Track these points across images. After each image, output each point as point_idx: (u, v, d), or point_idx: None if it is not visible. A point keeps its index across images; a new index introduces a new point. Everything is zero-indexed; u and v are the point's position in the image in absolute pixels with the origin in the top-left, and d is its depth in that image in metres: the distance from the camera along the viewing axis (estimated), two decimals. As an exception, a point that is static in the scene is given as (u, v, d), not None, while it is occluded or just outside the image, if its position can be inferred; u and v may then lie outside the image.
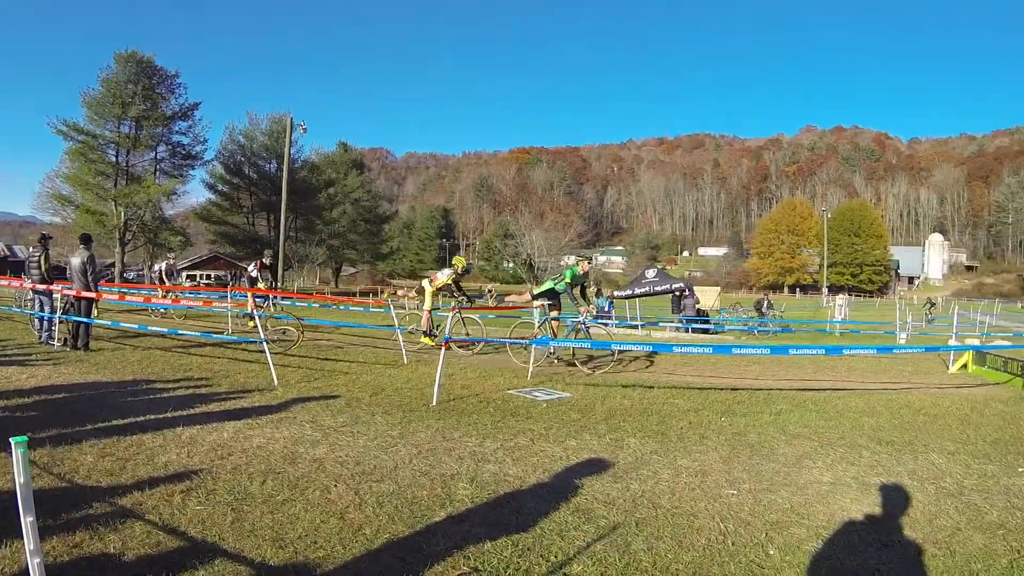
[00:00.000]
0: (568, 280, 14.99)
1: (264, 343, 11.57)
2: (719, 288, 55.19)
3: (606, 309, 31.75)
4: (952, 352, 17.72)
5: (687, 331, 27.53)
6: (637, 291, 31.20)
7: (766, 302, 35.96)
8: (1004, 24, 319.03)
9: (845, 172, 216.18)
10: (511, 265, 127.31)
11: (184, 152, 71.17)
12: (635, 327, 23.24)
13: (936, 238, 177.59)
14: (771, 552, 4.88)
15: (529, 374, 13.05)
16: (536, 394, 11.01)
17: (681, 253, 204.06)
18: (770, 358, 17.36)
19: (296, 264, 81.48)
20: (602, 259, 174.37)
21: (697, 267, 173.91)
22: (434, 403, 9.77)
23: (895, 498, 6.22)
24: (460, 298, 17.47)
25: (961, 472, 7.20)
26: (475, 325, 17.35)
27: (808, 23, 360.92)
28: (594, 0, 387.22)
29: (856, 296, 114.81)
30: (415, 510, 5.35)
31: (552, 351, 14.77)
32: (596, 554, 4.69)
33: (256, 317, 13.46)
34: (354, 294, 65.32)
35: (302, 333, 16.27)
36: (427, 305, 17.41)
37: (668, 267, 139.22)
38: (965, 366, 17.02)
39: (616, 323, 28.57)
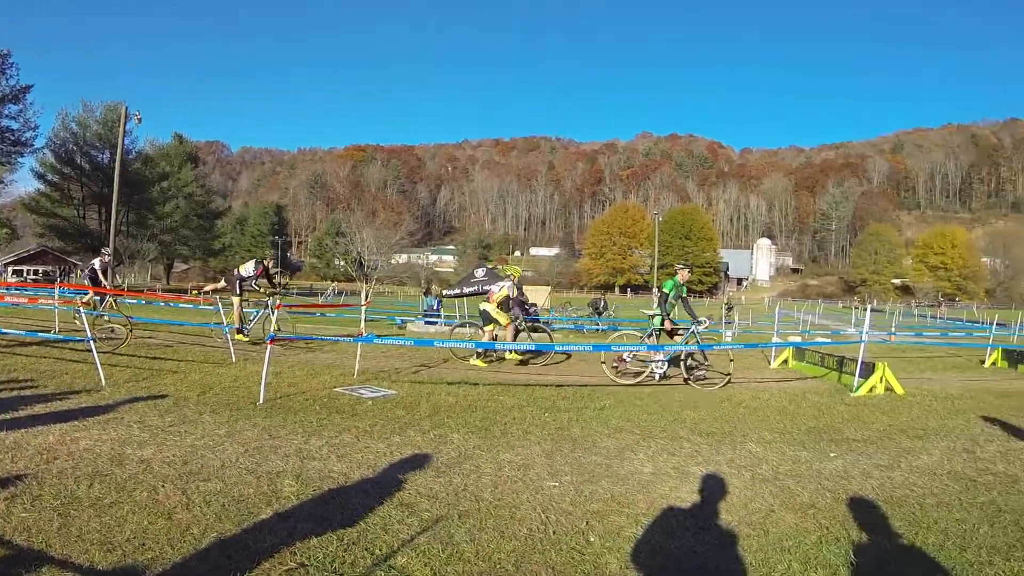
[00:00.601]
0: (668, 291, 14.73)
1: (91, 342, 11.25)
2: (549, 288, 55.82)
3: (435, 308, 31.84)
4: (773, 348, 18.48)
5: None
6: (466, 290, 31.04)
7: (602, 302, 36.59)
8: (831, 46, 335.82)
9: (678, 178, 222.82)
10: (342, 263, 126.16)
11: (13, 138, 66.74)
12: (463, 326, 23.32)
13: (764, 242, 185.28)
14: (592, 539, 5.08)
15: (356, 371, 13.01)
16: (362, 391, 11.05)
17: (513, 253, 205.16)
18: (596, 356, 17.79)
19: (127, 260, 78.65)
20: (433, 258, 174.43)
21: (528, 267, 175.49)
22: (261, 401, 9.71)
23: (713, 485, 6.55)
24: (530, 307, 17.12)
25: (776, 459, 7.68)
26: (542, 333, 17.03)
27: (646, 32, 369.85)
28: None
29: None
30: (242, 508, 5.34)
31: (674, 358, 14.36)
32: (420, 546, 4.79)
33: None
34: (186, 291, 63.50)
35: (131, 332, 15.82)
36: (504, 320, 16.91)
37: (499, 266, 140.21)
38: (786, 361, 17.82)
39: (444, 322, 28.74)
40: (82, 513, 5.06)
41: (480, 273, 31.81)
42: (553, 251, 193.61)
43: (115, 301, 18.32)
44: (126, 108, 46.15)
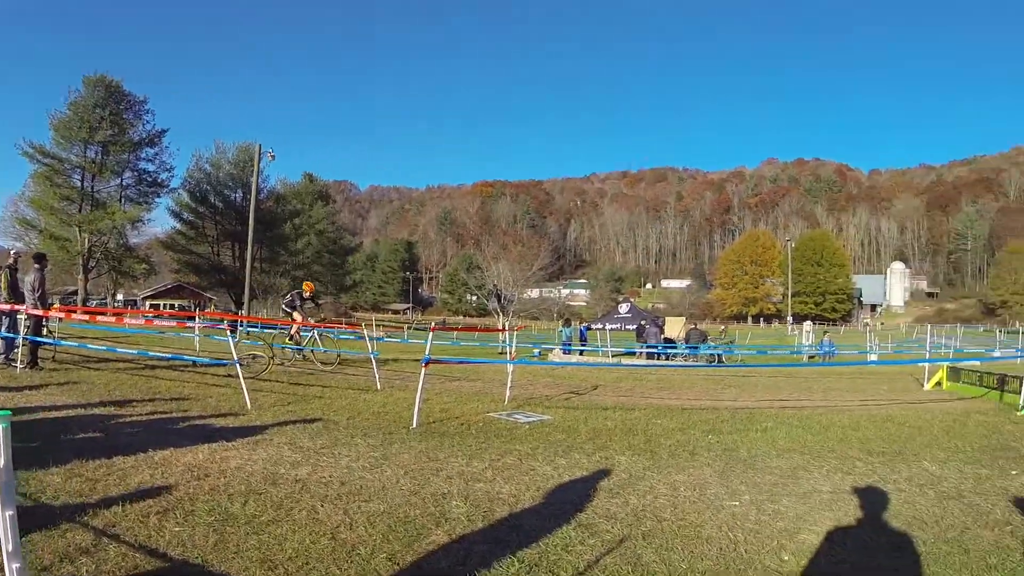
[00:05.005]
0: None
1: (237, 365, 11.31)
2: (683, 319, 55.59)
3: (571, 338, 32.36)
4: (926, 370, 17.84)
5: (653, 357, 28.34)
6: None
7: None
8: (958, 59, 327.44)
9: (807, 203, 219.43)
10: (475, 298, 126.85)
11: (150, 179, 70.48)
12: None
13: (897, 266, 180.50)
14: (785, 558, 4.79)
15: (506, 398, 12.93)
16: (516, 417, 10.89)
17: (644, 285, 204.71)
18: (744, 381, 17.50)
19: (261, 295, 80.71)
20: (565, 292, 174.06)
21: (660, 299, 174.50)
22: (414, 425, 9.57)
23: (897, 503, 6.20)
24: None
25: (956, 477, 7.29)
26: None
27: (768, 57, 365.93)
28: (554, 35, 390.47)
29: (819, 324, 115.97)
30: (410, 529, 5.10)
31: None
32: (608, 567, 4.53)
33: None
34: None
35: (272, 359, 15.94)
36: None
37: (632, 299, 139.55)
38: (939, 383, 17.08)
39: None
40: (238, 530, 4.91)
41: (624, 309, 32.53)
42: (684, 282, 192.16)
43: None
44: (260, 148, 47.43)
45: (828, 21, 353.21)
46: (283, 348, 17.60)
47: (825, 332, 40.67)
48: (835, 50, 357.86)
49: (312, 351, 17.82)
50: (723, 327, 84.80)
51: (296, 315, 18.36)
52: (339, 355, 18.26)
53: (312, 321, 18.54)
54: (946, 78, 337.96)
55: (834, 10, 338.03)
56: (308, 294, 19.51)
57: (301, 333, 18.11)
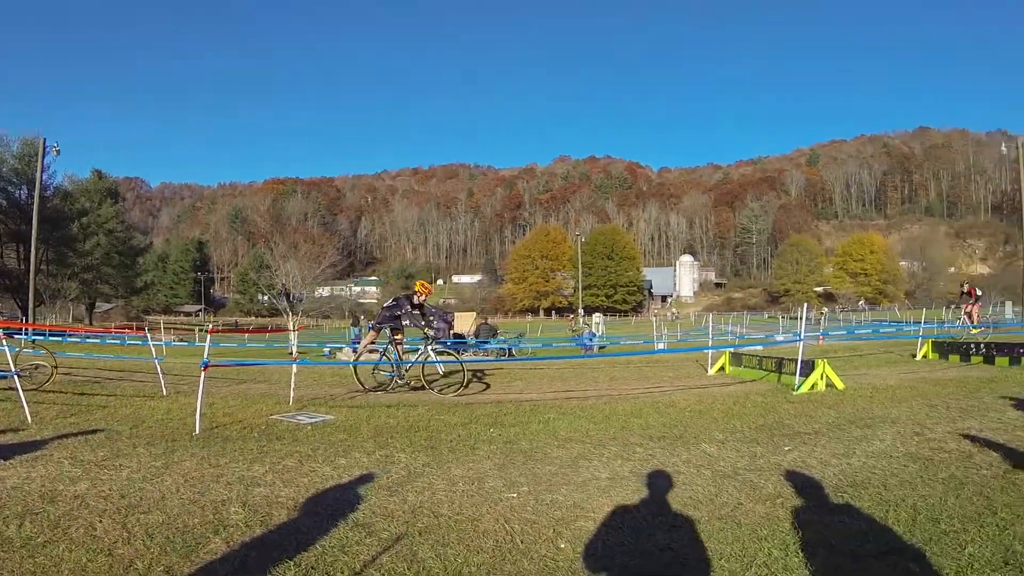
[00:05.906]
0: None
1: (16, 377, 10.82)
2: (474, 314, 56.28)
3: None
4: (709, 356, 18.60)
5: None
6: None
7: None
8: (745, 64, 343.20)
9: (598, 199, 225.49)
10: (266, 297, 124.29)
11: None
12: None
13: (686, 258, 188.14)
14: (562, 545, 4.98)
15: (291, 399, 12.79)
16: (299, 418, 10.83)
17: (436, 281, 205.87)
18: (532, 374, 17.91)
19: (48, 300, 76.83)
20: (356, 289, 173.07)
21: (452, 294, 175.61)
22: (197, 431, 9.42)
23: (675, 485, 6.51)
24: None
25: (733, 456, 7.66)
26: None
27: (560, 57, 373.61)
28: (349, 31, 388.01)
29: (611, 316, 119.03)
30: (188, 539, 5.07)
31: None
32: (384, 565, 4.64)
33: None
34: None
35: (55, 368, 15.29)
36: None
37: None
38: (723, 368, 17.86)
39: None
40: (13, 554, 4.77)
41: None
42: (476, 278, 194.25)
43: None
44: (44, 141, 45.28)
45: (619, 23, 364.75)
46: (376, 367, 15.51)
47: (587, 326, 41.84)
48: (630, 52, 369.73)
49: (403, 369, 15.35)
50: (572, 317, 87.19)
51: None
52: (469, 371, 15.95)
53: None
54: (732, 83, 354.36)
55: (623, 13, 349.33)
56: (422, 298, 15.24)
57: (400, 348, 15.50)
